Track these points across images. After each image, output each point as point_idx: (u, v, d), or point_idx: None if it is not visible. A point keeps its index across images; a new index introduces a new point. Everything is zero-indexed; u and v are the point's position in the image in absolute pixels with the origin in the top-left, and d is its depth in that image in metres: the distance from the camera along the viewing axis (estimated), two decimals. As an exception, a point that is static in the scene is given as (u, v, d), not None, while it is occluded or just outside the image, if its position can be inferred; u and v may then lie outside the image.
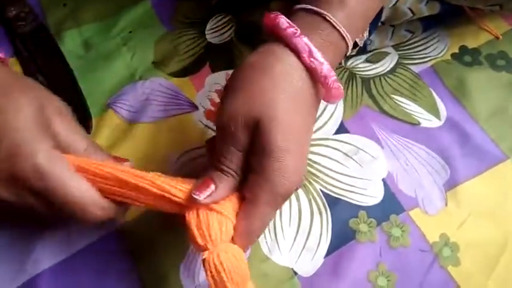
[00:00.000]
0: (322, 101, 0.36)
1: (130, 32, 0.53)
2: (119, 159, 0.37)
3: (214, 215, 0.32)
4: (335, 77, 0.33)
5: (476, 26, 0.51)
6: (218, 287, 0.31)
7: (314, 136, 0.45)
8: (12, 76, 0.37)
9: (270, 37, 0.34)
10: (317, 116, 0.45)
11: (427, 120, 0.45)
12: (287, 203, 0.41)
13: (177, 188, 0.33)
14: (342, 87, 0.34)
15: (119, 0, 0.55)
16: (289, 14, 0.35)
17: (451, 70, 0.48)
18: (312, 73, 0.33)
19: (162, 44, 0.52)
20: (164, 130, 0.46)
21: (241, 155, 0.32)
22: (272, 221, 0.40)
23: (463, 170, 0.42)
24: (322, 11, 0.33)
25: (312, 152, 0.44)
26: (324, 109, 0.46)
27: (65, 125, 0.34)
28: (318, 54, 0.32)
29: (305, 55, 0.32)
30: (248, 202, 0.32)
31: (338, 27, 0.33)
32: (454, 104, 0.46)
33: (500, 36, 0.50)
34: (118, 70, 0.50)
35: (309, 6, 0.34)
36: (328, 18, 0.33)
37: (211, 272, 0.30)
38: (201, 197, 0.32)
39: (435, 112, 0.46)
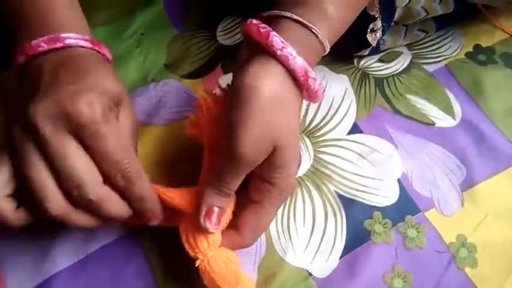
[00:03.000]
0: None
1: (142, 34, 0.53)
2: None
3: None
4: (323, 89, 0.35)
5: (491, 24, 0.51)
6: None
7: (327, 137, 0.44)
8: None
9: (254, 44, 0.34)
10: (330, 116, 0.45)
11: (442, 120, 0.45)
12: (301, 204, 0.41)
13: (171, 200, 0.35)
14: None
15: (131, 2, 0.55)
16: (269, 20, 0.34)
17: (465, 69, 0.48)
18: (306, 89, 0.34)
19: (174, 46, 0.52)
20: (177, 132, 0.45)
21: None
22: (286, 222, 0.40)
23: (479, 170, 0.42)
24: (310, 25, 0.33)
25: (326, 153, 0.44)
26: (337, 110, 0.46)
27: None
28: (312, 73, 0.33)
29: (301, 75, 0.33)
30: (257, 205, 0.35)
31: (322, 40, 0.34)
32: (469, 104, 0.46)
33: (515, 35, 0.50)
34: (131, 72, 0.50)
35: (295, 17, 0.33)
36: (316, 32, 0.33)
37: (204, 276, 0.34)
38: (213, 227, 0.34)
39: (450, 112, 0.45)
